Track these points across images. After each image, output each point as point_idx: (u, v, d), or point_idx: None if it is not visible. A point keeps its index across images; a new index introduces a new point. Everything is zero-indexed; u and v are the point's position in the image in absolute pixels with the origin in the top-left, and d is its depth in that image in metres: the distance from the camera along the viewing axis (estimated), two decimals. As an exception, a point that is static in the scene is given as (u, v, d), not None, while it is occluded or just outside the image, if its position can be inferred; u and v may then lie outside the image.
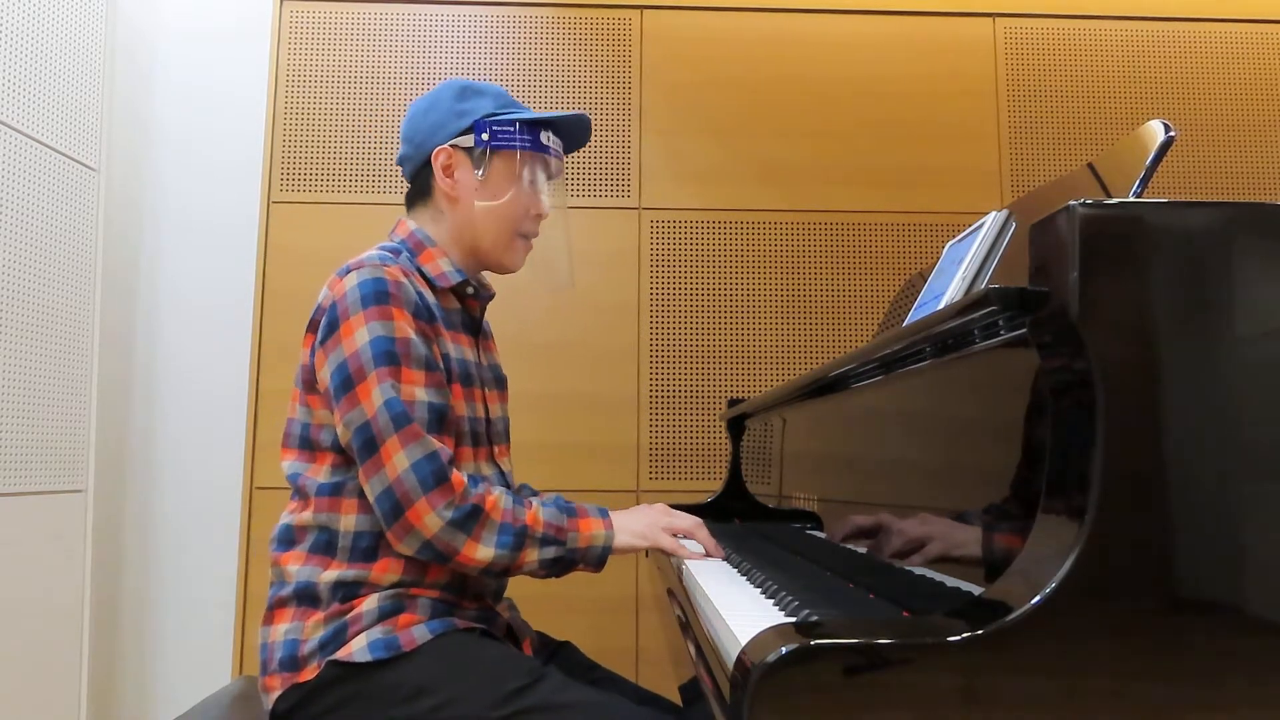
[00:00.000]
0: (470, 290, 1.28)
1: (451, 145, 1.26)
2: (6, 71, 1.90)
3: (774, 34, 2.46)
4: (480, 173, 1.26)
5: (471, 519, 1.09)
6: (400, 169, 1.33)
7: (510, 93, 1.32)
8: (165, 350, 2.43)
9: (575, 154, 2.37)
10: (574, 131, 1.35)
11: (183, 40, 2.51)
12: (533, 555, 1.12)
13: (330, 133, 2.36)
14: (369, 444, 1.08)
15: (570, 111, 1.31)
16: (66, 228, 2.08)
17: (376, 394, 1.09)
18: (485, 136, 1.25)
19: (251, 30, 2.48)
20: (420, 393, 1.11)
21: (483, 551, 1.09)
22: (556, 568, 1.15)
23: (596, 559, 1.16)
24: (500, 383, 1.37)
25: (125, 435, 2.39)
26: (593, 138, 2.38)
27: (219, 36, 2.51)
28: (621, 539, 1.18)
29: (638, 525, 1.21)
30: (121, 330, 2.40)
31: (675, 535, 1.23)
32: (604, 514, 1.19)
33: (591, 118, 2.37)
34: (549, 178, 1.32)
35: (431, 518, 1.07)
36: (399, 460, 1.07)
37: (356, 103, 2.38)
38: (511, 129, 1.26)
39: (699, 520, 1.27)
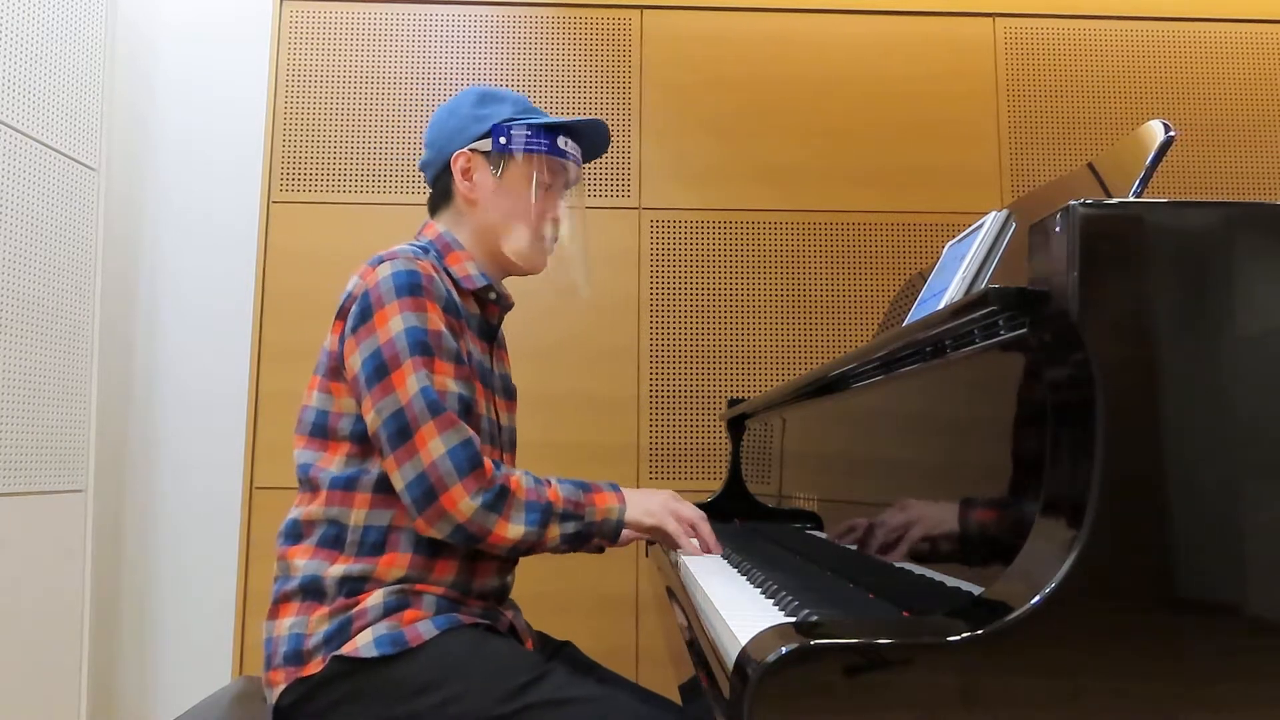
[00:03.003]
0: (492, 296, 1.30)
1: (470, 149, 1.27)
2: (6, 71, 1.90)
3: (774, 34, 2.46)
4: (498, 176, 1.28)
5: (501, 499, 1.11)
6: (423, 174, 1.35)
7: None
8: (165, 350, 2.43)
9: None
10: (593, 138, 1.36)
11: (183, 40, 2.51)
12: (555, 531, 1.15)
13: (330, 133, 2.36)
14: (403, 430, 1.09)
15: (587, 117, 1.32)
16: (66, 228, 2.08)
17: (412, 381, 1.10)
18: (503, 140, 1.27)
19: (251, 30, 2.48)
20: (451, 384, 1.14)
21: (513, 530, 1.11)
22: (576, 541, 1.17)
23: (611, 531, 1.20)
24: (510, 393, 1.38)
25: (125, 435, 2.39)
26: (593, 138, 2.40)
27: (219, 36, 2.51)
28: (633, 513, 1.21)
29: (649, 504, 1.24)
30: (121, 330, 2.40)
31: (680, 523, 1.25)
32: (615, 488, 1.22)
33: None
34: (566, 183, 1.34)
35: (466, 503, 1.09)
36: (434, 446, 1.09)
37: (356, 103, 2.38)
38: (528, 133, 1.27)
39: (704, 514, 1.29)
